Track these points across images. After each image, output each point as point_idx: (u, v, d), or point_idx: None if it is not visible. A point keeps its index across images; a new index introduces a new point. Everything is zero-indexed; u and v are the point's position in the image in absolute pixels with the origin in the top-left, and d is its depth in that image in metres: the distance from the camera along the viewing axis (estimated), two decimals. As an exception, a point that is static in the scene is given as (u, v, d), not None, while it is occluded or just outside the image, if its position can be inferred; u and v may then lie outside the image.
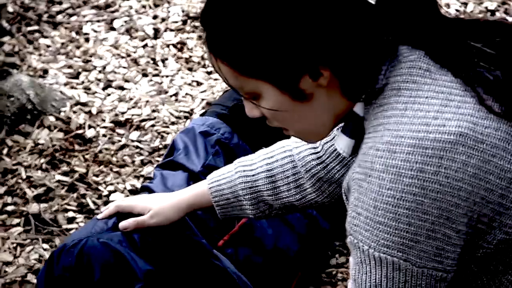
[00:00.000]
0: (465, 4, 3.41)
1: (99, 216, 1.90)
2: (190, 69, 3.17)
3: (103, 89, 3.09)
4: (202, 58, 3.19)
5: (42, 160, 2.69)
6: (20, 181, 2.61)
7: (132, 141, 2.80)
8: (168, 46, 3.31)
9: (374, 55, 1.29)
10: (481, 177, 1.22)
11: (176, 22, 3.41)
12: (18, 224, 2.45)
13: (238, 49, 1.27)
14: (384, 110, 1.28)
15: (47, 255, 2.34)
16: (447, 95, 1.26)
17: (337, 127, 1.44)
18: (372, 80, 1.30)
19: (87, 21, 3.46)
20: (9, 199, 2.54)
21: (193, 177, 2.15)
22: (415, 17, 1.31)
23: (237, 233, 2.14)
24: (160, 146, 2.78)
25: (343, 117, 1.37)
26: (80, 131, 2.84)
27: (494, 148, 1.23)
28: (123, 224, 1.84)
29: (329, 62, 1.27)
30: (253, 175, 1.77)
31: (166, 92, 3.05)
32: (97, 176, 2.64)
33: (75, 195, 2.55)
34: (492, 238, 1.27)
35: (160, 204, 1.85)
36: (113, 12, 3.49)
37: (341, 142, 1.40)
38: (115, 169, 2.68)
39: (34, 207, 2.50)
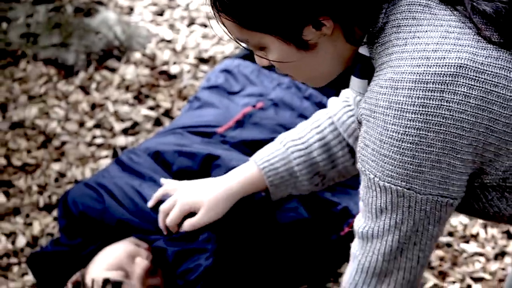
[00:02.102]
0: None
1: (149, 204, 1.93)
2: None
3: (187, 26, 3.12)
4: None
5: (129, 95, 2.75)
6: (107, 115, 2.68)
7: (216, 77, 2.83)
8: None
9: None
10: (483, 107, 1.22)
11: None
12: (106, 156, 2.52)
13: (240, 4, 1.26)
14: (385, 48, 1.28)
15: (134, 185, 2.41)
16: (446, 27, 1.25)
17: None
18: (373, 20, 1.30)
19: (171, -41, 3.48)
20: (97, 132, 2.62)
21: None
22: None
23: None
24: (243, 83, 2.80)
25: (351, 60, 1.38)
26: (165, 67, 2.89)
27: (496, 78, 1.22)
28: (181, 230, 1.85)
29: (330, 11, 1.26)
30: (306, 148, 1.76)
31: (249, 30, 3.07)
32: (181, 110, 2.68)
33: (161, 129, 2.60)
34: (500, 165, 1.29)
35: (210, 199, 1.81)
36: (196, -50, 3.51)
37: (355, 84, 1.42)
38: (199, 104, 2.71)
39: (121, 140, 2.57)
